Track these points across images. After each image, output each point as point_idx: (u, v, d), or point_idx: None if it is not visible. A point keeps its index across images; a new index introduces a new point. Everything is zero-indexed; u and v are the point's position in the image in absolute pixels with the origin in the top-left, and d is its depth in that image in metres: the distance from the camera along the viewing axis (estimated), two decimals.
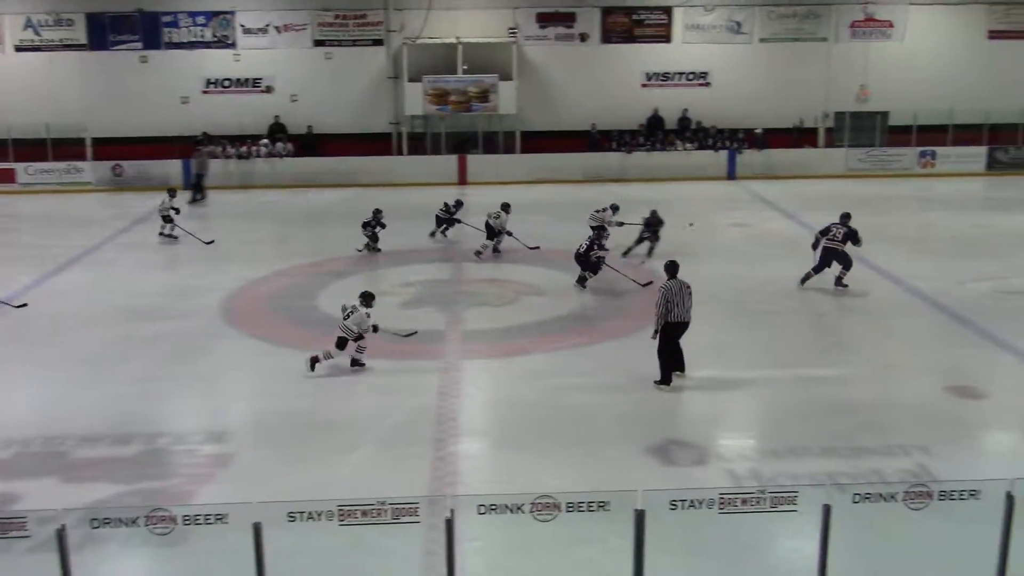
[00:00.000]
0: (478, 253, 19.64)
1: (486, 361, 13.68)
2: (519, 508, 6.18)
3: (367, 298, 12.93)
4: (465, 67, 29.39)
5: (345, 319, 12.80)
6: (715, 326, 15.06)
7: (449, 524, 6.21)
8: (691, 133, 30.12)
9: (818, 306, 16.31)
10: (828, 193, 26.52)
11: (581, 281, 17.15)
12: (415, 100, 29.63)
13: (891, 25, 30.43)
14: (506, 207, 20.02)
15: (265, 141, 29.70)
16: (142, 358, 13.65)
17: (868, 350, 14.10)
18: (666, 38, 30.18)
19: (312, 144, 30.03)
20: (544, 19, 30.02)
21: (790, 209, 24.13)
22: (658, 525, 6.18)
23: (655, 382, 12.32)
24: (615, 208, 20.35)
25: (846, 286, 16.74)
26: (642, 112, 30.19)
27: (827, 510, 5.95)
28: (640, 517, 6.07)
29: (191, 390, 12.65)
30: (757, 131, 29.62)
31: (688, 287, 12.28)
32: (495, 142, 30.59)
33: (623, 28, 30.20)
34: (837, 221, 16.90)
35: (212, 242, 21.17)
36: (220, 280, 17.97)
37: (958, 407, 11.86)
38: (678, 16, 29.89)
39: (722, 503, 6.09)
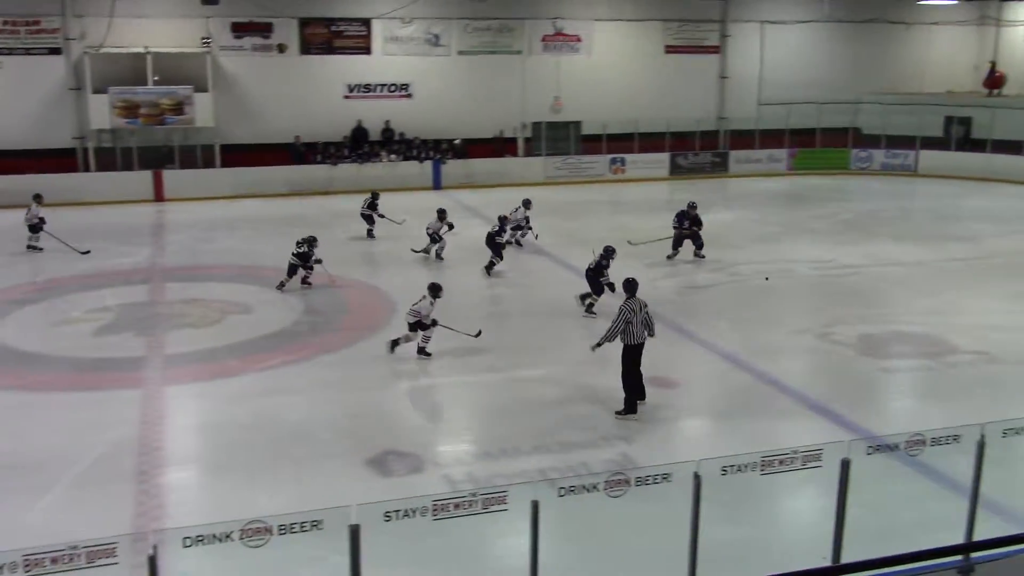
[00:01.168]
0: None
1: (191, 385, 13.04)
2: (228, 536, 5.88)
3: (435, 290, 13.80)
4: (156, 78, 27.89)
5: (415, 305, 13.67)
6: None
7: (152, 562, 5.80)
8: (396, 144, 30.32)
9: (528, 308, 16.88)
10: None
11: (585, 301, 16.23)
12: (101, 113, 27.74)
13: (579, 40, 32.17)
14: (442, 213, 20.21)
15: None
16: None
17: (574, 349, 14.73)
18: (366, 50, 30.20)
19: None
20: (239, 29, 29.12)
21: (494, 216, 24.79)
22: (376, 538, 6.10)
23: (617, 413, 11.79)
24: (527, 204, 21.19)
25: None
26: (346, 124, 30.01)
27: (535, 506, 6.12)
28: (355, 532, 5.96)
29: None
30: (456, 141, 30.28)
31: (646, 305, 12.06)
32: (193, 156, 29.25)
33: (323, 39, 29.91)
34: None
35: (88, 252, 20.04)
36: None
37: (655, 396, 12.61)
38: (377, 28, 30.00)
39: (435, 509, 6.10)
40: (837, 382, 13.38)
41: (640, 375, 11.93)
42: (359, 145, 29.97)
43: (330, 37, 29.96)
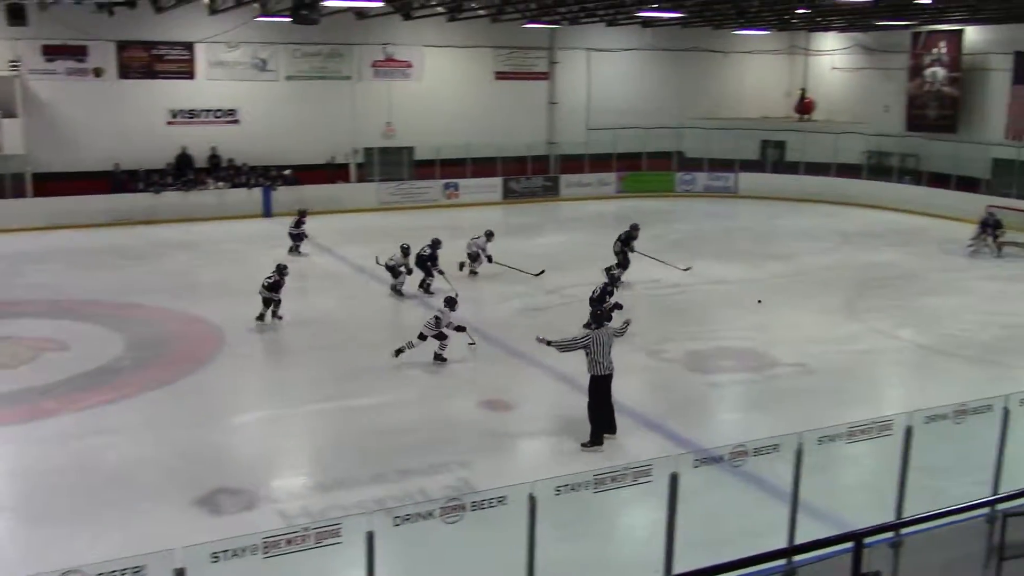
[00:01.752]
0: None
1: (2, 430, 12.22)
2: None
3: (451, 303, 15.02)
4: None
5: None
6: (261, 365, 14.86)
7: None
8: (223, 171, 29.47)
9: (364, 336, 16.64)
10: (362, 226, 27.36)
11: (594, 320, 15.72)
12: None
13: (410, 65, 32.19)
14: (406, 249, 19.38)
15: None
16: None
17: (409, 375, 14.63)
18: (190, 74, 29.25)
19: None
20: (51, 52, 27.68)
21: (327, 243, 24.49)
22: None
23: (582, 445, 11.47)
24: (489, 235, 20.89)
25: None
26: (169, 150, 28.94)
27: (370, 537, 5.99)
28: None
29: None
30: (287, 172, 29.74)
31: (617, 334, 11.89)
32: (1, 186, 27.57)
33: (142, 63, 28.79)
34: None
35: None
36: None
37: (493, 420, 12.70)
38: (201, 52, 29.13)
39: (266, 547, 5.87)
40: (668, 398, 13.78)
41: (611, 408, 11.65)
42: (184, 172, 28.95)
43: (150, 61, 28.87)
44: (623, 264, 20.56)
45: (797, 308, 18.74)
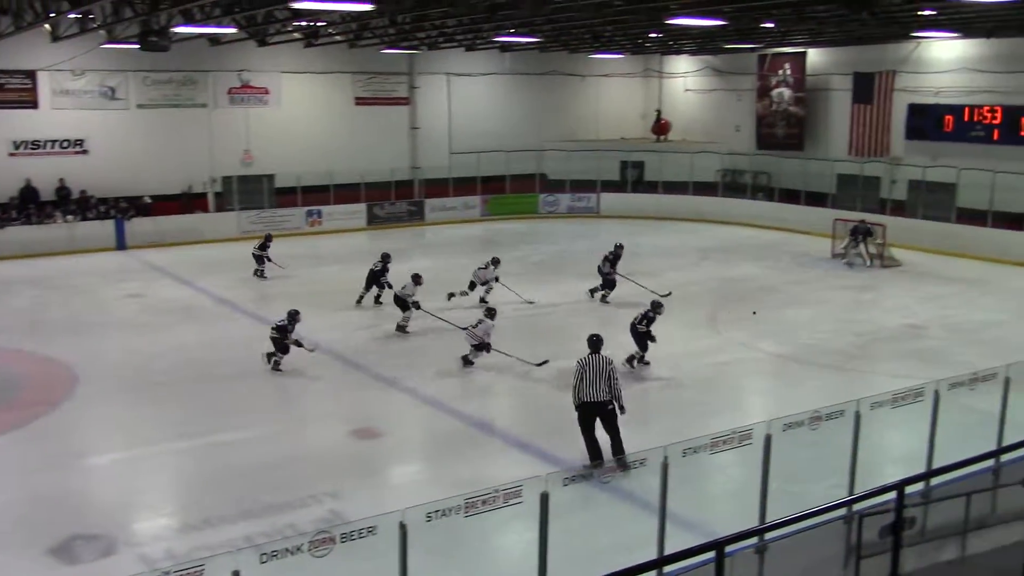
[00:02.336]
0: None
1: None
2: None
3: (491, 313, 16.23)
4: None
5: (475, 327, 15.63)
6: (119, 403, 14.27)
7: None
8: (72, 204, 28.22)
9: (223, 370, 16.15)
10: (223, 257, 26.65)
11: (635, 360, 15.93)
12: None
13: (267, 92, 31.62)
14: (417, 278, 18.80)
15: None
16: None
17: (274, 407, 14.30)
18: (33, 104, 27.94)
19: None
20: None
21: (185, 275, 23.76)
22: None
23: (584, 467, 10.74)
24: (495, 261, 20.98)
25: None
26: (12, 183, 27.56)
27: None
28: None
29: None
30: (146, 199, 28.79)
31: (610, 363, 11.38)
32: None
33: None
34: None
35: None
36: None
37: (362, 448, 12.50)
38: (44, 80, 27.90)
39: None
40: (538, 418, 13.84)
41: (593, 438, 11.20)
42: (27, 206, 27.60)
43: None
44: (609, 285, 21.00)
45: (662, 323, 19.09)
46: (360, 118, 33.42)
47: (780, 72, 33.74)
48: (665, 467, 7.43)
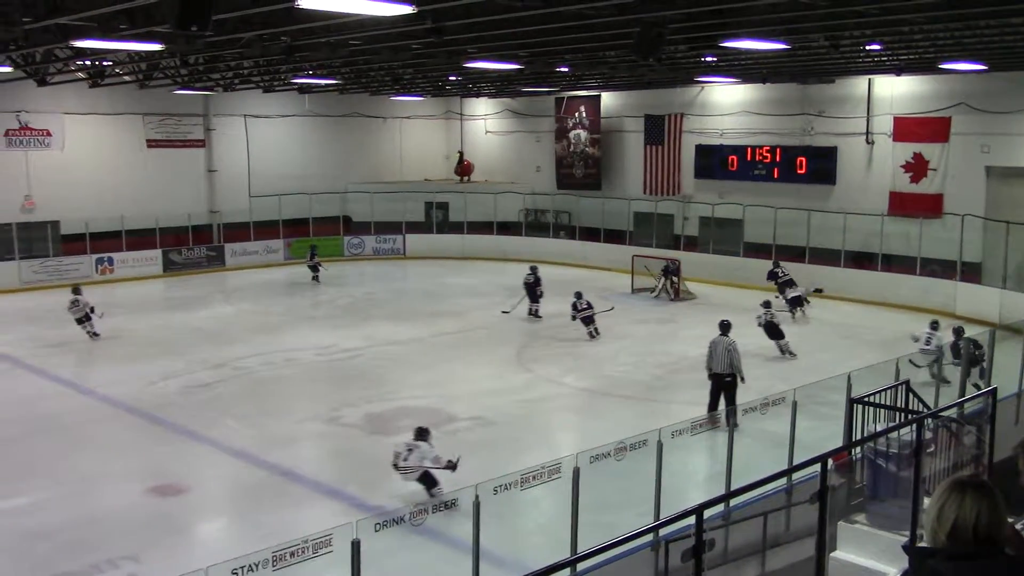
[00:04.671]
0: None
1: None
2: None
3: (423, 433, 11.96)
4: None
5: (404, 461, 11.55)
6: None
7: None
8: None
9: (3, 431, 14.99)
10: (5, 308, 24.88)
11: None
12: None
13: (50, 134, 29.90)
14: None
15: None
16: None
17: (64, 467, 13.38)
18: None
19: None
20: None
21: None
22: None
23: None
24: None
25: None
26: None
27: None
28: None
29: None
30: None
31: (730, 344, 14.83)
32: None
33: None
34: None
35: None
36: None
37: (163, 506, 11.88)
38: None
39: None
40: (348, 464, 13.59)
41: (716, 399, 14.72)
42: None
43: None
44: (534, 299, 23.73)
45: (471, 363, 19.26)
46: (153, 161, 32.11)
47: (576, 115, 34.89)
48: (477, 506, 7.42)
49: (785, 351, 19.43)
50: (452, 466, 11.55)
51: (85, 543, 10.70)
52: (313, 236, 34.17)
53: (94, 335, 20.92)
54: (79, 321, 20.92)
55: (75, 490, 12.48)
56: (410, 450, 11.76)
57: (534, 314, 23.45)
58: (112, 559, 10.23)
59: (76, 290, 21.68)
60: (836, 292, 25.25)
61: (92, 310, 21.11)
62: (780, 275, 24.84)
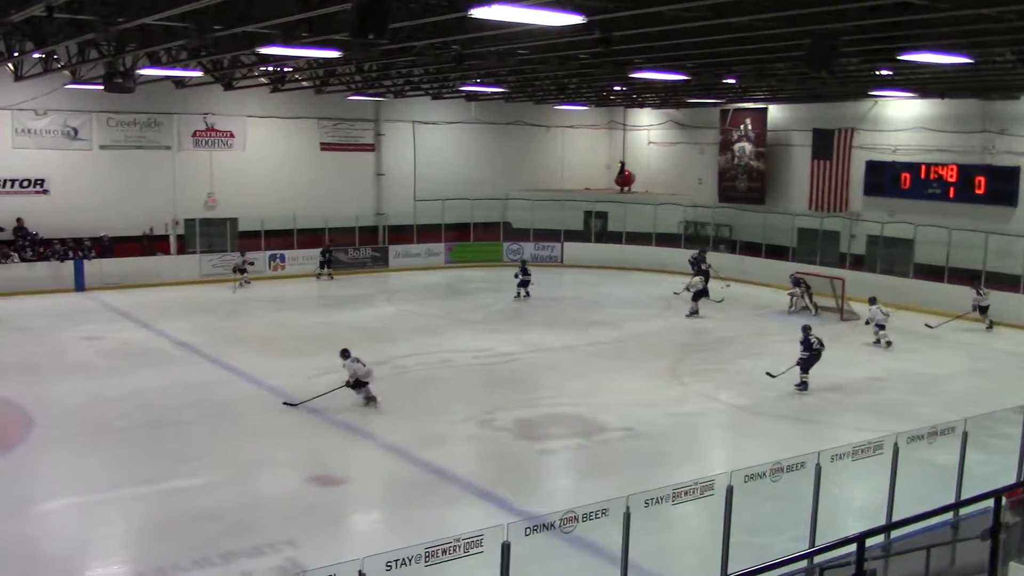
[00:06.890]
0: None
1: None
2: None
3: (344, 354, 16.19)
4: None
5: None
6: (75, 449, 13.97)
7: None
8: (29, 244, 27.88)
9: (181, 415, 15.92)
10: (183, 299, 26.41)
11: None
12: None
13: (232, 135, 31.59)
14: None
15: None
16: None
17: (232, 453, 14.08)
18: None
19: None
20: None
21: (145, 318, 23.49)
22: None
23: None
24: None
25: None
26: None
27: None
28: None
29: None
30: (102, 235, 28.50)
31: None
32: None
33: None
34: None
35: None
36: None
37: (321, 495, 12.32)
38: (6, 119, 27.70)
39: None
40: (499, 466, 13.76)
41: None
42: None
43: None
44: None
45: (623, 373, 19.18)
46: (325, 163, 33.48)
47: (742, 127, 34.28)
48: (627, 517, 7.41)
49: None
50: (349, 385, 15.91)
51: (249, 526, 11.22)
52: (474, 240, 34.86)
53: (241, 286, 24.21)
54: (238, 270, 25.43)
55: (242, 474, 13.11)
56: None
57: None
58: (273, 543, 10.69)
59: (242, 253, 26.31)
60: (1015, 320, 23.93)
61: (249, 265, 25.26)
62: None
